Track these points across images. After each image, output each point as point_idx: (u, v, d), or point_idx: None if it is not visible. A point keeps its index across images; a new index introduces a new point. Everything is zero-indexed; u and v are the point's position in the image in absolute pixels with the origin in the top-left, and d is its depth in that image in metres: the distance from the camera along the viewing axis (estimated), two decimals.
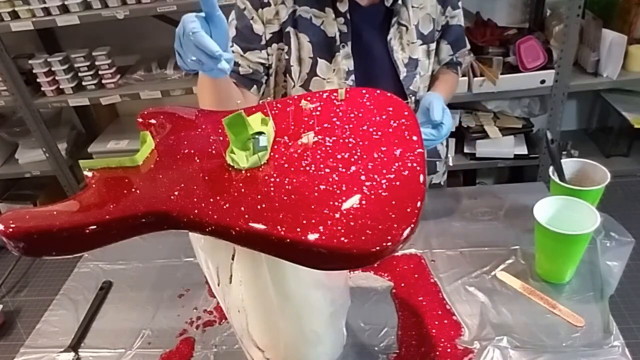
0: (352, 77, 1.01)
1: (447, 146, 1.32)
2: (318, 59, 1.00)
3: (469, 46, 1.19)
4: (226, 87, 0.91)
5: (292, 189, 0.56)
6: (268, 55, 1.02)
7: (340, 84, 1.01)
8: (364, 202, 0.53)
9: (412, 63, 1.04)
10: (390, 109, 0.69)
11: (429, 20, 1.04)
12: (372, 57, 1.02)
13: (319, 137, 0.65)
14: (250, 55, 1.01)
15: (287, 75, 1.03)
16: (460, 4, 1.09)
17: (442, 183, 1.30)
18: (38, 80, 2.02)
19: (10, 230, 0.53)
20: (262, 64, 1.03)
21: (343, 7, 0.97)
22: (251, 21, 0.99)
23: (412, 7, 1.01)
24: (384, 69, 1.03)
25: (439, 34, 1.10)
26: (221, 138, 0.67)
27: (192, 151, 0.66)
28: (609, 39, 1.74)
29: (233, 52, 0.99)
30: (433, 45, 1.07)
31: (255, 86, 1.05)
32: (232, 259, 0.65)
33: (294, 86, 1.03)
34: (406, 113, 0.69)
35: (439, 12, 1.06)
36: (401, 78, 1.04)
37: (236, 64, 1.01)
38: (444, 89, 1.11)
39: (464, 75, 1.82)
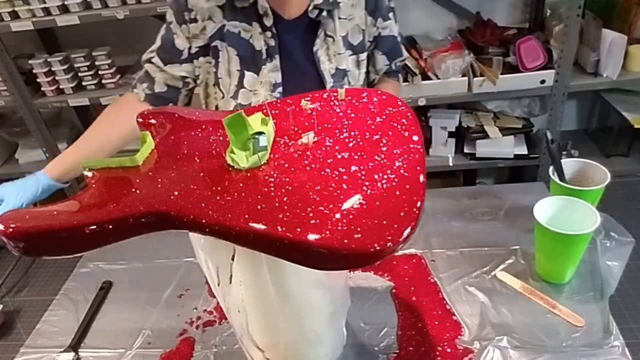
0: (280, 89, 1.02)
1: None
2: (245, 71, 1.01)
3: (406, 55, 1.20)
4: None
5: (292, 189, 0.56)
6: (195, 68, 1.05)
7: (266, 95, 1.02)
8: (364, 202, 0.53)
9: (339, 74, 1.05)
10: (390, 109, 0.69)
11: (358, 31, 1.05)
12: (300, 69, 1.03)
13: (319, 136, 0.65)
14: (170, 69, 1.04)
15: (217, 87, 1.05)
16: (391, 15, 1.10)
17: None
18: (38, 80, 2.02)
19: (10, 230, 0.53)
20: (182, 77, 1.05)
21: (268, 22, 0.98)
22: (174, 35, 1.01)
23: (340, 18, 1.02)
24: (311, 80, 1.04)
25: (372, 45, 1.11)
26: (221, 138, 0.67)
27: (192, 151, 0.66)
28: (609, 39, 1.74)
29: (153, 63, 1.04)
30: (363, 56, 1.08)
31: (171, 104, 1.09)
32: (232, 259, 0.65)
33: (223, 97, 1.04)
34: (406, 113, 0.69)
35: (370, 23, 1.07)
36: (327, 88, 1.04)
37: (152, 81, 1.05)
38: None
39: (463, 75, 1.82)
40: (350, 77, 1.07)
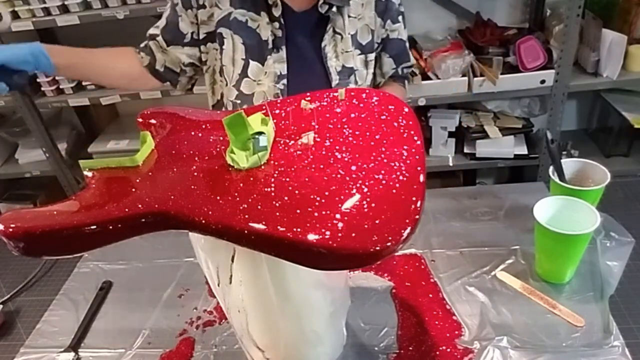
0: (284, 81, 1.02)
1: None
2: (250, 60, 1.01)
3: (413, 61, 1.20)
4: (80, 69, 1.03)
5: (292, 189, 0.56)
6: (202, 53, 1.05)
7: (270, 86, 1.02)
8: (364, 202, 0.53)
9: (345, 71, 1.05)
10: (391, 108, 0.69)
11: (367, 31, 1.05)
12: (306, 62, 1.03)
13: (319, 136, 0.65)
14: (173, 50, 1.05)
15: (221, 74, 1.05)
16: (400, 18, 1.10)
17: None
18: (38, 80, 2.02)
19: (10, 230, 0.53)
20: (182, 62, 1.06)
21: (277, 12, 0.98)
22: (179, 18, 1.02)
23: (349, 16, 1.02)
24: (316, 75, 1.04)
25: (380, 47, 1.11)
26: (221, 138, 0.67)
27: (192, 151, 0.66)
28: (609, 39, 1.74)
29: (157, 42, 1.05)
30: (372, 56, 1.08)
31: (169, 82, 1.11)
32: (232, 260, 0.65)
33: (227, 85, 1.04)
34: (406, 113, 0.69)
35: (379, 24, 1.07)
36: (333, 85, 1.04)
37: (154, 58, 1.06)
38: None
39: (463, 75, 1.82)
40: (358, 77, 1.06)
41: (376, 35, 1.07)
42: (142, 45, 1.09)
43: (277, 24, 0.99)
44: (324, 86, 1.05)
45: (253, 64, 1.01)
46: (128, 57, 1.09)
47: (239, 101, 1.04)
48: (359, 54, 1.06)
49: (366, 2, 1.03)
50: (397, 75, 1.18)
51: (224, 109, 1.10)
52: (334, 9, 0.99)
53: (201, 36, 1.02)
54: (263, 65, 1.01)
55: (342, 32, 1.02)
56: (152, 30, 1.07)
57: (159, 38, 1.05)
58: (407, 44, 1.15)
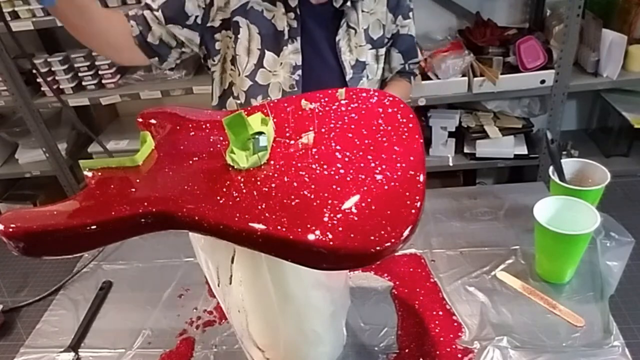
0: (299, 72, 1.02)
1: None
2: (266, 51, 1.00)
3: (421, 57, 1.21)
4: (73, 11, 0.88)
5: (292, 188, 0.56)
6: (202, 42, 1.01)
7: (286, 77, 1.02)
8: (364, 202, 0.53)
9: (359, 65, 1.05)
10: (391, 108, 0.69)
11: (379, 26, 1.06)
12: (320, 55, 1.03)
13: (319, 136, 0.65)
14: (172, 28, 0.99)
15: (234, 64, 1.03)
16: (411, 14, 1.10)
17: None
18: (38, 80, 2.02)
19: (10, 230, 0.53)
20: (178, 41, 1.01)
21: (293, 2, 0.98)
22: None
23: (363, 11, 1.02)
24: (330, 69, 1.04)
25: (390, 42, 1.12)
26: (221, 138, 0.67)
27: (192, 151, 0.66)
28: (609, 39, 1.74)
29: (154, 15, 0.98)
30: (382, 51, 1.09)
31: (156, 58, 1.04)
32: (232, 259, 0.65)
33: (239, 74, 1.03)
34: (406, 113, 0.69)
35: (390, 20, 1.07)
36: (347, 79, 1.05)
37: (147, 29, 0.98)
38: (396, 94, 1.12)
39: (463, 75, 1.82)
40: (369, 71, 1.07)
41: (387, 31, 1.08)
42: (131, 13, 1.00)
43: (292, 15, 0.98)
44: (337, 80, 1.05)
45: (269, 55, 1.01)
46: (121, 21, 0.99)
47: (251, 92, 1.03)
48: (370, 49, 1.06)
49: None
50: (404, 71, 1.18)
51: (231, 99, 1.09)
52: (349, 3, 0.99)
53: (217, 23, 1.00)
54: (279, 56, 1.01)
55: (355, 27, 1.02)
56: (151, 2, 0.99)
57: (158, 13, 0.98)
58: (416, 40, 1.15)
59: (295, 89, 1.02)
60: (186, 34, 1.01)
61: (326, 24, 1.02)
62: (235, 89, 1.06)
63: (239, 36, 1.00)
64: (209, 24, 1.01)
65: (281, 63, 1.01)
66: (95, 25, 0.93)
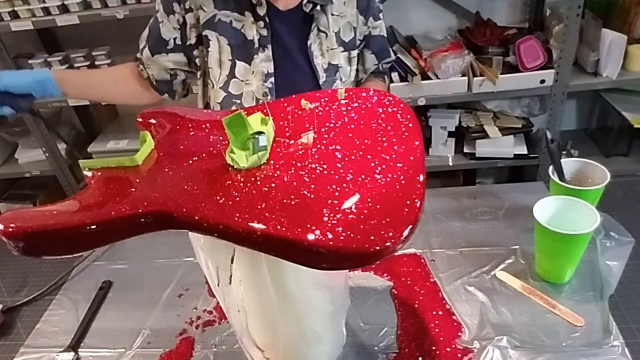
0: (272, 79, 1.03)
1: None
2: (237, 61, 1.02)
3: (394, 57, 1.22)
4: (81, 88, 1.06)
5: (292, 189, 0.56)
6: (190, 58, 1.06)
7: (259, 85, 1.03)
8: (364, 202, 0.53)
9: (332, 69, 1.06)
10: (390, 108, 0.69)
11: (349, 29, 1.06)
12: (293, 61, 1.04)
13: (319, 136, 0.65)
14: (158, 59, 1.05)
15: (209, 77, 1.05)
16: (382, 15, 1.11)
17: None
18: None
19: (10, 230, 0.53)
20: (170, 69, 1.07)
21: (262, 11, 0.98)
22: (160, 25, 1.02)
23: (333, 14, 1.03)
24: (304, 74, 1.05)
25: (363, 44, 1.12)
26: (221, 138, 0.67)
27: (192, 151, 0.66)
28: (609, 39, 1.74)
29: (143, 56, 1.07)
30: (355, 53, 1.09)
31: (167, 95, 1.13)
32: (232, 259, 0.65)
33: (213, 87, 1.05)
34: (406, 113, 0.69)
35: (361, 22, 1.08)
36: (320, 83, 1.05)
37: (147, 71, 1.09)
38: None
39: (463, 75, 1.82)
40: (342, 74, 1.08)
41: (359, 33, 1.09)
42: (138, 56, 1.10)
43: (262, 23, 0.99)
44: (311, 84, 1.06)
45: (240, 65, 1.02)
46: (129, 76, 1.11)
47: (225, 103, 1.04)
48: (343, 52, 1.07)
49: (348, 0, 1.04)
50: (378, 72, 1.20)
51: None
52: (318, 7, 1.00)
53: (193, 40, 1.03)
54: (250, 65, 1.02)
55: (326, 31, 1.03)
56: (141, 44, 1.08)
57: (145, 50, 1.06)
58: (387, 40, 1.17)
59: (269, 96, 1.03)
60: (172, 59, 1.05)
61: (297, 29, 1.03)
62: (212, 102, 1.07)
63: (209, 49, 1.01)
64: (188, 43, 1.03)
65: (253, 72, 1.02)
66: (108, 94, 1.11)
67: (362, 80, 1.19)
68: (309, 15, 1.01)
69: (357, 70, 1.15)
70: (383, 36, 1.14)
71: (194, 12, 0.99)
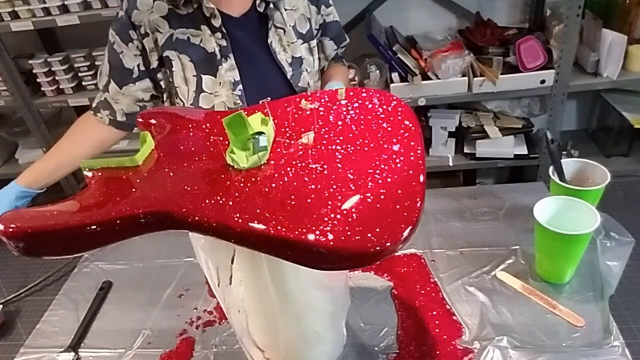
0: (240, 86, 1.03)
1: None
2: (202, 75, 1.02)
3: (348, 39, 1.24)
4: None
5: (292, 189, 0.56)
6: (155, 81, 1.05)
7: (228, 95, 1.03)
8: (364, 202, 0.53)
9: (296, 61, 1.07)
10: (390, 108, 0.69)
11: (304, 20, 1.08)
12: (257, 63, 1.05)
13: (319, 136, 0.65)
14: (127, 90, 1.04)
15: (177, 96, 1.05)
16: (331, 1, 1.14)
17: None
18: (38, 80, 2.01)
19: (10, 230, 0.53)
20: (139, 99, 1.06)
21: (217, 22, 0.99)
22: (120, 55, 1.01)
23: (286, 9, 1.05)
24: (270, 73, 1.06)
25: (319, 32, 1.14)
26: (221, 138, 0.67)
27: (192, 151, 0.66)
28: (609, 39, 1.74)
29: (109, 91, 1.05)
30: (313, 42, 1.12)
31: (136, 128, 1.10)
32: (232, 259, 0.65)
33: (184, 105, 1.05)
34: (406, 113, 0.68)
35: (314, 12, 1.10)
36: (288, 77, 1.07)
37: (113, 111, 1.06)
38: (341, 79, 1.16)
39: (463, 75, 1.82)
40: (306, 64, 1.10)
41: (314, 22, 1.11)
42: (95, 104, 1.08)
43: (219, 34, 1.00)
44: (280, 81, 1.07)
45: (206, 78, 1.02)
46: (89, 133, 1.09)
47: None
48: (302, 43, 1.08)
49: None
50: (336, 56, 1.22)
51: None
52: (271, 5, 1.01)
53: (155, 64, 1.02)
54: (216, 76, 1.02)
55: (283, 26, 1.05)
56: (102, 80, 1.06)
57: (111, 85, 1.04)
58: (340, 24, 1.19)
59: (240, 103, 1.03)
60: (140, 87, 1.04)
61: (255, 31, 1.03)
62: None
63: (173, 69, 1.01)
64: (151, 67, 1.03)
65: (220, 83, 1.02)
66: (76, 160, 1.03)
67: (325, 68, 1.21)
68: (264, 15, 1.02)
69: (319, 59, 1.16)
70: (337, 21, 1.17)
71: (151, 36, 0.99)
